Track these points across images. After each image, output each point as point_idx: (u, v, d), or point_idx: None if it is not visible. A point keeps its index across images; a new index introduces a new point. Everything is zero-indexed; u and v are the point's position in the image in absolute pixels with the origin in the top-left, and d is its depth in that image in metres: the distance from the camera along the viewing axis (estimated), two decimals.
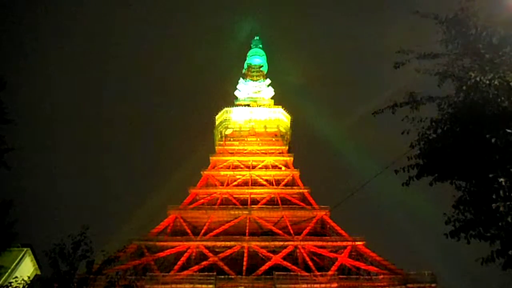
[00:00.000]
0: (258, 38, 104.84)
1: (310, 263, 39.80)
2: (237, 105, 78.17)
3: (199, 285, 36.81)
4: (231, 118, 73.34)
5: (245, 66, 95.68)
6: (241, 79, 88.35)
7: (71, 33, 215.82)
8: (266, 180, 56.21)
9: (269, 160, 61.19)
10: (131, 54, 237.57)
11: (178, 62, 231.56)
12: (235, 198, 51.88)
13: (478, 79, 6.35)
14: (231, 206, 50.13)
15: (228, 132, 71.94)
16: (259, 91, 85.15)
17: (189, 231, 45.41)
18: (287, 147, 66.37)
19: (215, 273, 37.75)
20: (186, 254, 41.38)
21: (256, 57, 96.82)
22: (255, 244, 42.61)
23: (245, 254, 41.18)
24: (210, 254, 41.59)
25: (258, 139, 69.29)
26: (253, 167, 58.97)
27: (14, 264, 22.03)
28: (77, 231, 13.49)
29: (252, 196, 52.51)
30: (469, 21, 7.18)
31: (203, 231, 44.90)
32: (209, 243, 43.35)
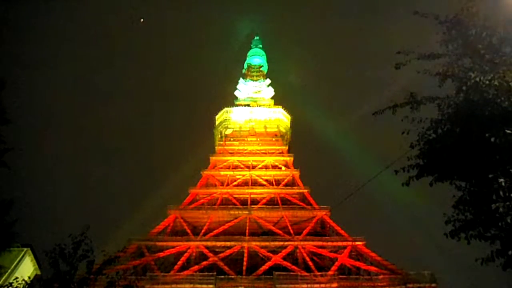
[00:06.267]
0: (258, 38, 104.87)
1: (310, 263, 39.80)
2: (237, 105, 78.15)
3: (199, 285, 36.82)
4: (231, 118, 73.33)
5: (245, 66, 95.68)
6: (241, 79, 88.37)
7: (71, 33, 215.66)
8: (266, 180, 56.19)
9: (269, 160, 61.18)
10: (131, 54, 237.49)
11: (178, 62, 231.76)
12: (235, 198, 51.86)
13: (478, 79, 6.36)
14: (231, 206, 50.12)
15: (228, 132, 71.92)
16: (259, 91, 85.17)
17: (189, 231, 45.41)
18: (287, 147, 66.32)
19: (215, 273, 37.75)
20: (186, 254, 41.39)
21: (256, 57, 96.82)
22: (255, 244, 42.61)
23: (245, 254, 41.17)
24: (210, 254, 41.60)
25: (258, 139, 69.27)
26: (253, 167, 58.96)
27: (14, 264, 22.08)
28: (77, 231, 13.51)
29: (252, 196, 52.49)
30: (469, 22, 7.19)
31: (203, 231, 44.90)
32: (209, 243, 43.35)
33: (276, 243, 43.02)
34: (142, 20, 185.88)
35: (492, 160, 5.88)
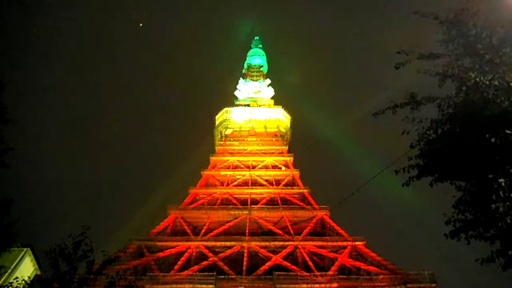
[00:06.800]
0: (258, 38, 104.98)
1: (310, 263, 39.77)
2: (237, 105, 78.15)
3: (199, 285, 36.79)
4: (231, 118, 73.33)
5: (245, 66, 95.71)
6: (241, 79, 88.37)
7: (71, 33, 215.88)
8: (266, 180, 56.17)
9: (269, 160, 61.17)
10: (131, 54, 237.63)
11: (178, 62, 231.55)
12: (235, 198, 51.84)
13: (478, 79, 6.37)
14: (231, 206, 50.10)
15: (228, 132, 71.93)
16: (259, 91, 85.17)
17: (189, 231, 45.39)
18: (287, 147, 66.32)
19: (215, 273, 37.71)
20: (186, 254, 41.37)
21: (256, 57, 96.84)
22: (255, 244, 42.59)
23: (245, 254, 41.15)
24: (210, 254, 41.58)
25: (258, 139, 69.27)
26: (253, 167, 58.94)
27: (14, 264, 22.04)
28: (77, 231, 13.50)
29: (252, 196, 52.47)
30: (469, 22, 7.20)
31: (203, 231, 44.89)
32: (209, 243, 43.33)
33: (276, 243, 42.99)
34: (141, 24, 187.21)
35: (492, 160, 5.88)
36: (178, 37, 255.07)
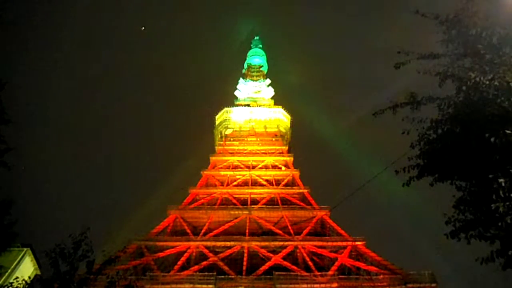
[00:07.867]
0: (258, 38, 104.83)
1: (310, 263, 39.80)
2: (237, 105, 78.17)
3: (199, 285, 36.82)
4: (231, 118, 73.35)
5: (245, 66, 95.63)
6: (241, 79, 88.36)
7: (71, 33, 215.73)
8: (266, 180, 56.20)
9: (269, 160, 61.19)
10: (131, 54, 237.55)
11: (178, 61, 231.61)
12: (235, 198, 51.87)
13: (478, 79, 6.36)
14: (231, 206, 50.14)
15: (228, 132, 71.94)
16: (259, 91, 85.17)
17: (189, 231, 45.43)
18: (287, 147, 66.36)
19: (215, 273, 37.74)
20: (186, 254, 41.39)
21: (256, 57, 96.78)
22: (255, 244, 42.61)
23: (245, 254, 41.18)
24: (210, 254, 41.60)
25: (258, 139, 69.30)
26: (253, 167, 58.97)
27: (14, 264, 22.05)
28: (77, 231, 13.49)
29: (252, 196, 52.50)
30: (469, 21, 7.18)
31: (203, 231, 44.91)
32: (209, 243, 43.36)
33: (276, 243, 43.02)
34: (143, 28, 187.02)
35: (492, 160, 5.88)
36: (178, 38, 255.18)
